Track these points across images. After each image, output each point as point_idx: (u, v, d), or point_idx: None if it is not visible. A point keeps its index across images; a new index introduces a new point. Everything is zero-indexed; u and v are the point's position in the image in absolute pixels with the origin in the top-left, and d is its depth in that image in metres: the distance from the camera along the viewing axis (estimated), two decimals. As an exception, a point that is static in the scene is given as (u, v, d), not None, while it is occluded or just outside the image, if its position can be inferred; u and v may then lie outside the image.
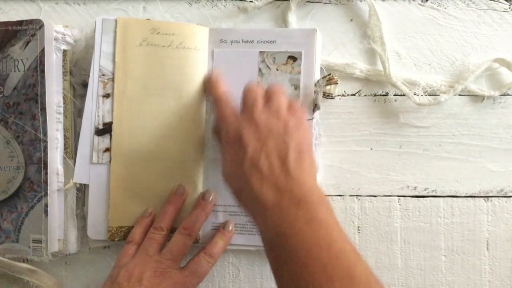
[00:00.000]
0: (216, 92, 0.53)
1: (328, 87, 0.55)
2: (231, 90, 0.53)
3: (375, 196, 0.57)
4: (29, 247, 0.54)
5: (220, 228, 0.55)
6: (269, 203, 0.44)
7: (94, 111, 0.54)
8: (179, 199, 0.54)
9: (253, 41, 0.55)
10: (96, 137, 0.54)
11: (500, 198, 0.56)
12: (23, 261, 0.55)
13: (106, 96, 0.54)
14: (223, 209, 0.55)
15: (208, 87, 0.54)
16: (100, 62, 0.54)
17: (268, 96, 0.50)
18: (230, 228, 0.55)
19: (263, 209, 0.44)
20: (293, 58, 0.55)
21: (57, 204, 0.54)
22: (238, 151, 0.47)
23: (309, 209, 0.43)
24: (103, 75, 0.54)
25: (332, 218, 0.44)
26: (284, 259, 0.42)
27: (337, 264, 0.41)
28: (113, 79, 0.54)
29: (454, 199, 0.57)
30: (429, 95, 0.56)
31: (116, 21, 0.54)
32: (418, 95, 0.55)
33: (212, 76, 0.54)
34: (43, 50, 0.53)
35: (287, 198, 0.44)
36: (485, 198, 0.56)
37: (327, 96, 0.55)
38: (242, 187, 0.47)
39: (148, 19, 0.56)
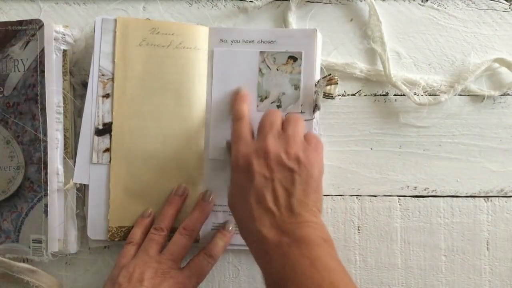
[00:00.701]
0: (237, 108, 0.52)
1: (328, 87, 0.55)
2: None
3: (375, 196, 0.57)
4: (29, 247, 0.54)
5: (220, 228, 0.55)
6: (271, 243, 0.44)
7: (94, 111, 0.54)
8: (179, 200, 0.54)
9: (253, 41, 0.55)
10: (96, 137, 0.54)
11: (500, 198, 0.56)
12: (23, 261, 0.55)
13: (106, 96, 0.54)
14: (223, 209, 0.55)
15: (232, 100, 0.53)
16: (100, 62, 0.54)
17: (286, 123, 0.50)
18: (230, 228, 0.54)
19: (265, 250, 0.44)
20: (293, 58, 0.55)
21: (57, 204, 0.54)
22: (245, 180, 0.47)
23: (311, 250, 0.43)
24: (102, 75, 0.54)
25: (333, 259, 0.44)
26: None
27: None
28: (112, 79, 0.54)
29: (454, 199, 0.57)
30: (429, 95, 0.56)
31: (115, 21, 0.54)
32: (418, 95, 0.55)
33: (239, 91, 0.54)
34: (43, 50, 0.53)
35: (289, 238, 0.43)
36: (485, 198, 0.56)
37: (328, 96, 0.55)
38: (246, 221, 0.46)
39: (147, 18, 0.56)
